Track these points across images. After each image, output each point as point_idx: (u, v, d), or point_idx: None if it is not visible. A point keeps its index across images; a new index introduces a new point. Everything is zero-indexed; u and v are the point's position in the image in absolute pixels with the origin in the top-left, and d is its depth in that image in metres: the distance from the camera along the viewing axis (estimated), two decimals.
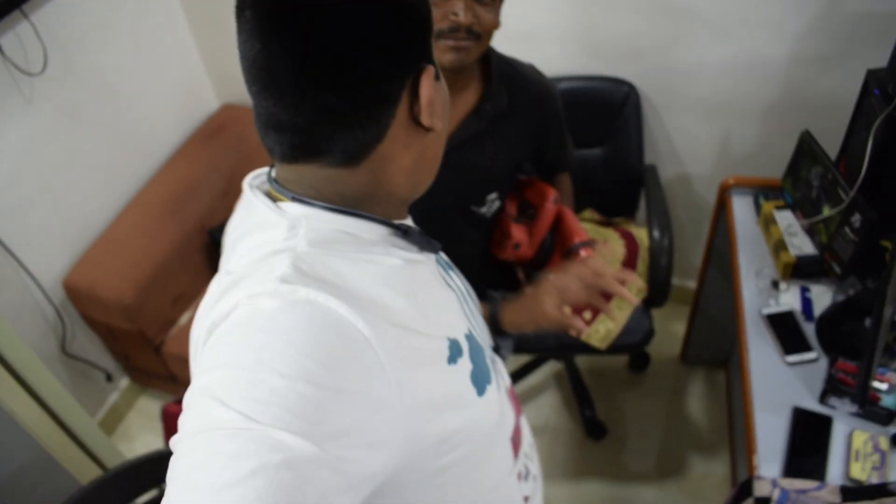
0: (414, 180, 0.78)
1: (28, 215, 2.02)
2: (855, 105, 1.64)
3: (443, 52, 1.30)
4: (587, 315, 2.04)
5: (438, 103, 0.73)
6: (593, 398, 2.41)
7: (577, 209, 2.32)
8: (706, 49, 2.05)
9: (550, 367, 2.57)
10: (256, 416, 0.55)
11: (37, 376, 1.89)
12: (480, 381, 0.81)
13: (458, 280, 0.93)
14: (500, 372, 0.92)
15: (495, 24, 1.33)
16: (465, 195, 1.48)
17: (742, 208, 1.94)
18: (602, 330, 2.01)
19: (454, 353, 0.76)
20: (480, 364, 0.82)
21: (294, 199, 0.73)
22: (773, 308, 1.68)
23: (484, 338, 0.90)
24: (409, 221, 0.84)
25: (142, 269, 2.18)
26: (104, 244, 2.24)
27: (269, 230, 0.72)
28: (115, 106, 2.28)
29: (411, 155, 0.75)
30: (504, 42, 1.60)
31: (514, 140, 1.50)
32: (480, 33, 1.30)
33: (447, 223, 1.49)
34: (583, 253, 1.52)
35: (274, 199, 0.76)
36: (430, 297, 0.79)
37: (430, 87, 0.71)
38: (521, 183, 1.61)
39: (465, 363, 0.78)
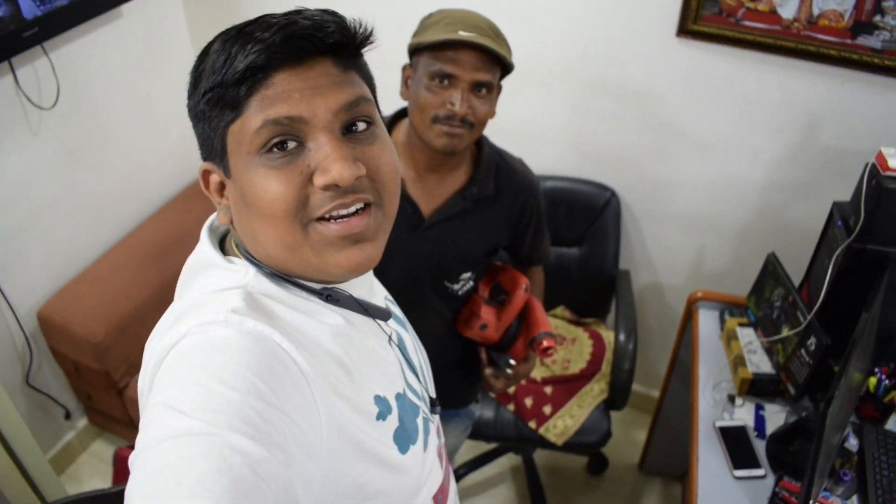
0: (257, 239, 0.76)
1: (15, 241, 2.06)
2: (820, 234, 1.72)
3: (437, 136, 1.38)
4: (547, 409, 2.06)
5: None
6: (547, 497, 2.39)
7: (550, 306, 2.38)
8: (689, 166, 2.16)
9: (508, 460, 2.56)
10: (215, 423, 0.59)
11: None
12: (404, 440, 0.84)
13: (410, 340, 0.97)
14: (430, 432, 0.94)
15: (489, 115, 1.42)
16: (440, 270, 1.53)
17: (707, 322, 1.99)
18: (560, 425, 2.03)
19: (382, 411, 0.80)
20: (408, 424, 0.85)
21: (245, 255, 0.79)
22: (727, 421, 1.70)
23: (421, 399, 0.93)
24: (352, 284, 0.84)
25: (117, 311, 2.20)
26: (84, 280, 2.27)
27: (225, 273, 0.78)
28: (117, 149, 2.35)
29: (234, 210, 0.77)
30: (501, 135, 1.70)
31: (495, 225, 1.56)
32: (474, 123, 1.38)
33: (419, 293, 1.53)
34: (545, 343, 1.56)
35: (224, 250, 0.82)
36: (367, 355, 0.82)
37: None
38: (495, 267, 1.67)
39: (392, 421, 0.82)
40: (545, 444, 2.04)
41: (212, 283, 0.77)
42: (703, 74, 2.00)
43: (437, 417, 1.01)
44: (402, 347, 0.93)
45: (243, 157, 0.71)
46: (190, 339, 0.68)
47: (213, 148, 0.75)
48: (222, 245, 0.84)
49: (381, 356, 0.86)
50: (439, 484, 0.97)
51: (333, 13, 0.74)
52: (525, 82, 2.17)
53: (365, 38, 0.77)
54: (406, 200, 1.47)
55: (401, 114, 1.54)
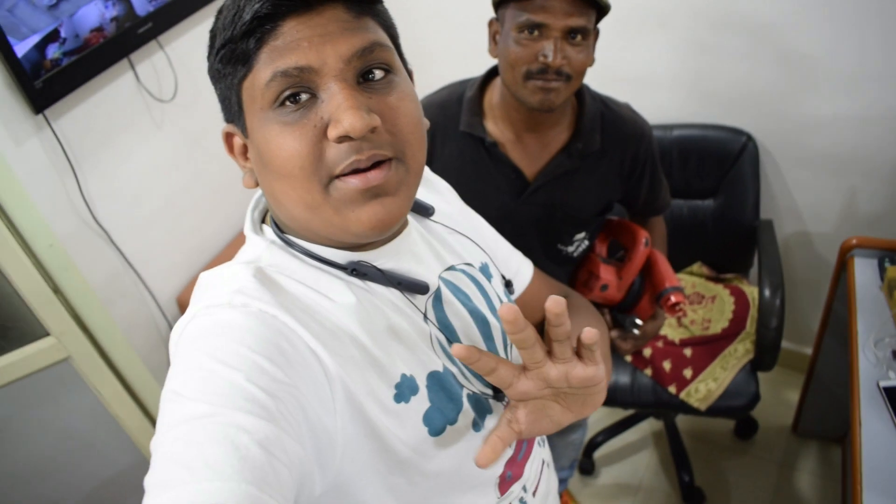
0: (278, 200, 0.74)
1: (150, 232, 2.15)
2: None
3: (532, 92, 1.28)
4: (688, 373, 1.95)
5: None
6: (692, 463, 2.27)
7: (686, 262, 2.24)
8: (831, 100, 1.95)
9: (649, 425, 2.46)
10: (220, 404, 0.60)
11: (145, 386, 2.00)
12: (438, 420, 0.79)
13: (465, 316, 0.89)
14: (490, 412, 0.87)
15: (587, 63, 1.30)
16: (551, 233, 1.45)
17: (865, 271, 1.80)
18: (703, 389, 1.91)
19: (405, 390, 0.76)
20: (442, 404, 0.80)
21: (274, 225, 0.79)
22: (892, 381, 1.54)
23: (470, 376, 0.86)
24: (389, 252, 0.81)
25: None
26: (218, 264, 2.34)
27: (247, 246, 0.80)
28: None
29: (256, 172, 0.76)
30: (611, 86, 1.58)
31: (606, 180, 1.46)
32: (571, 74, 1.28)
33: (532, 260, 1.46)
34: (673, 298, 1.45)
35: (264, 219, 0.83)
36: (390, 332, 0.77)
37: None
38: (611, 223, 1.56)
39: (419, 401, 0.77)
40: (687, 409, 1.93)
41: (238, 255, 0.79)
42: None
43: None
44: (444, 324, 0.85)
45: (257, 114, 0.69)
46: (195, 322, 0.68)
47: (231, 107, 0.73)
48: (266, 216, 0.83)
49: (409, 333, 0.79)
50: (504, 464, 0.91)
51: None
52: (638, 22, 2.04)
53: None
54: (507, 165, 1.39)
55: (492, 73, 1.45)
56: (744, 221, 2.14)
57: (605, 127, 1.43)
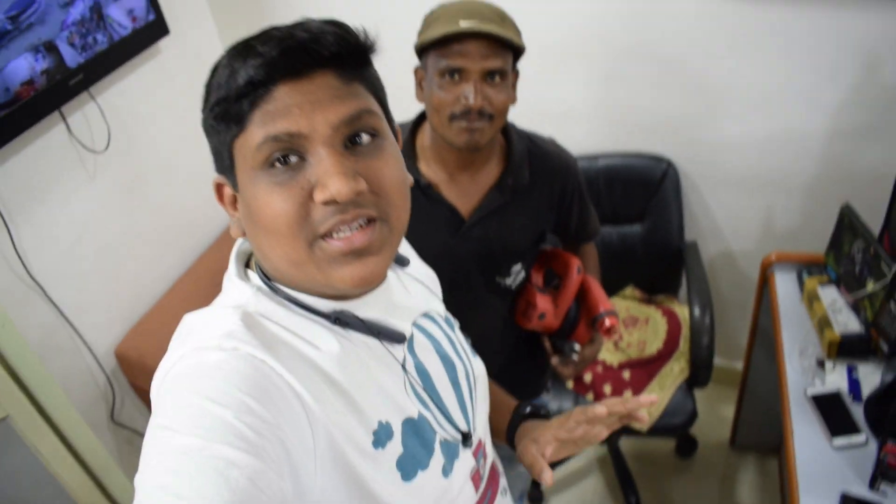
0: (264, 253, 0.77)
1: (86, 284, 2.12)
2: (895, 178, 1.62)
3: (457, 133, 1.34)
4: (628, 395, 2.00)
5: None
6: (638, 484, 2.32)
7: (618, 287, 2.32)
8: (744, 124, 2.07)
9: (594, 450, 2.50)
10: (210, 438, 0.62)
11: (85, 443, 1.94)
12: (410, 466, 0.81)
13: (436, 364, 0.92)
14: (458, 457, 0.90)
15: (507, 103, 1.36)
16: (489, 267, 1.50)
17: (785, 285, 1.90)
18: (643, 410, 1.97)
19: (381, 437, 0.78)
20: (415, 450, 0.82)
21: (259, 271, 0.80)
22: (819, 388, 1.62)
23: (448, 424, 0.90)
24: (367, 301, 0.83)
25: None
26: (156, 315, 2.31)
27: (233, 290, 0.80)
28: (172, 184, 2.40)
29: (244, 224, 0.78)
30: (538, 120, 1.65)
31: (537, 212, 1.51)
32: (493, 113, 1.33)
33: (472, 294, 1.50)
34: (607, 322, 1.51)
35: (248, 265, 0.84)
36: (369, 379, 0.80)
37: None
38: (545, 253, 1.62)
39: (393, 447, 0.80)
40: (630, 430, 1.98)
41: (220, 300, 0.81)
42: (747, 26, 1.91)
43: (476, 441, 0.97)
44: (420, 371, 0.88)
45: (248, 172, 0.72)
46: (184, 362, 0.69)
47: (223, 161, 0.76)
48: (250, 261, 0.85)
49: (387, 380, 0.82)
50: None
51: (336, 23, 0.73)
52: (557, 58, 2.13)
53: (368, 48, 0.75)
54: (443, 204, 1.44)
55: (422, 117, 1.51)
56: (670, 244, 2.24)
57: (533, 162, 1.49)
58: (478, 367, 1.03)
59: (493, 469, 1.04)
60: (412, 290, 0.96)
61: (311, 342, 0.77)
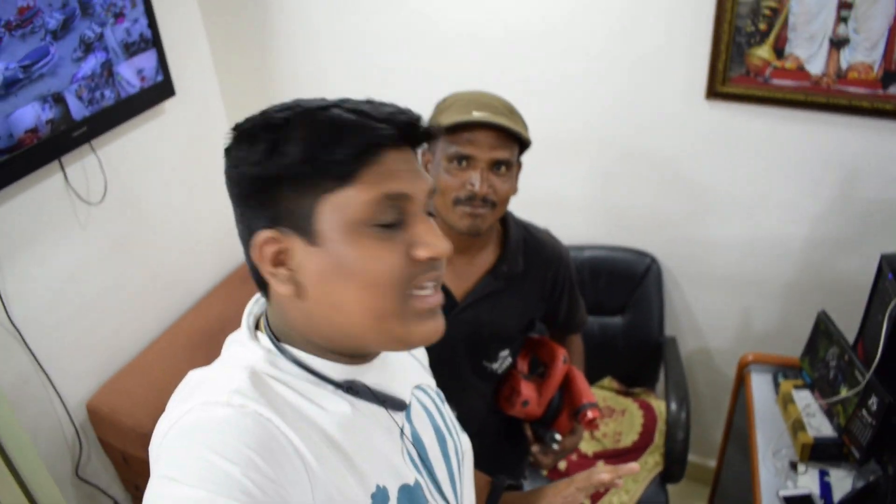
0: (311, 322, 0.79)
1: (64, 335, 2.10)
2: (871, 288, 1.67)
3: (460, 217, 1.38)
4: (600, 464, 1.99)
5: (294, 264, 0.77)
6: None
7: (597, 377, 2.33)
8: (728, 227, 2.13)
9: None
10: (217, 492, 0.63)
11: (48, 498, 1.89)
12: None
13: (431, 436, 0.95)
14: None
15: (510, 192, 1.42)
16: (477, 350, 1.52)
17: (761, 385, 1.92)
18: (616, 502, 1.96)
19: (377, 501, 0.80)
20: None
21: (270, 335, 0.82)
22: (791, 490, 1.62)
23: (439, 495, 0.92)
24: (367, 367, 0.85)
25: (164, 399, 2.13)
26: (131, 370, 2.29)
27: (241, 349, 0.82)
28: (160, 241, 2.41)
29: (316, 279, 0.77)
30: (530, 208, 1.70)
31: (528, 300, 1.55)
32: (496, 202, 1.38)
33: (458, 375, 1.51)
34: (590, 413, 1.52)
35: (257, 326, 0.86)
36: (370, 444, 0.82)
37: (263, 243, 0.77)
38: (532, 341, 1.64)
39: None
40: None
41: (226, 359, 0.82)
42: (735, 135, 2.00)
43: None
44: (416, 439, 0.91)
45: (346, 226, 0.74)
46: (192, 415, 0.70)
47: (293, 215, 0.75)
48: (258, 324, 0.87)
49: (387, 446, 0.85)
50: None
51: (412, 111, 0.81)
52: (553, 152, 2.20)
53: (431, 134, 0.83)
54: None
55: None
56: (650, 338, 2.27)
57: (528, 251, 1.53)
58: (465, 442, 1.04)
59: None
60: (405, 362, 1.01)
61: (318, 403, 0.79)
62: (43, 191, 1.96)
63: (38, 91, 1.82)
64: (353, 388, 0.82)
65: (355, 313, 0.76)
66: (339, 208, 0.73)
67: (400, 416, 0.89)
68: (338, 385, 0.81)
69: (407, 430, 0.90)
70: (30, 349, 1.97)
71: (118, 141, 2.17)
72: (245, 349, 0.81)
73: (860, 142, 1.87)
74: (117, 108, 2.08)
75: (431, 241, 0.76)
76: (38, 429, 2.04)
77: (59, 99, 1.88)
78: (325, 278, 0.76)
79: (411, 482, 0.86)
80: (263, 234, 0.76)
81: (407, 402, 0.91)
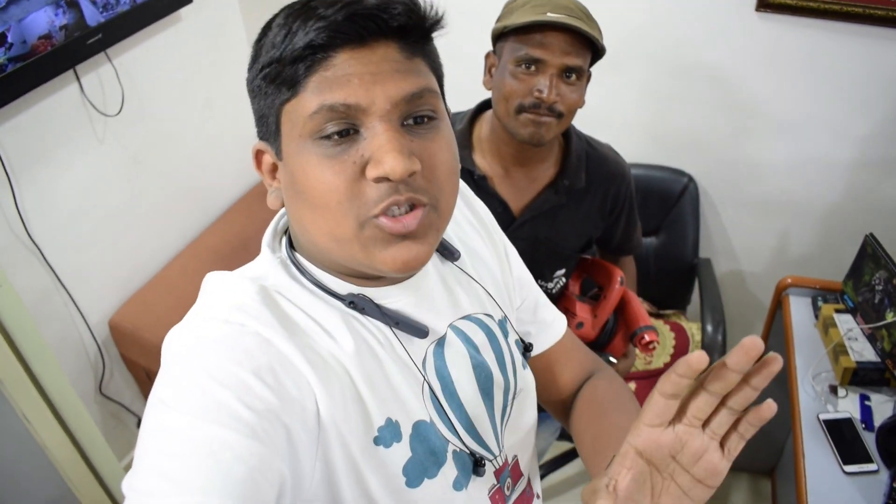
0: (304, 226, 0.73)
1: (85, 252, 2.06)
2: None
3: (523, 125, 1.30)
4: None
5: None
6: None
7: None
8: (770, 147, 2.06)
9: None
10: (205, 419, 0.61)
11: (73, 414, 1.89)
12: (417, 472, 0.77)
13: (467, 364, 0.85)
14: (476, 472, 0.84)
15: (578, 104, 1.33)
16: (534, 269, 1.46)
17: (799, 309, 1.89)
18: None
19: (386, 434, 0.75)
20: (422, 456, 0.78)
21: (288, 243, 0.79)
22: (831, 414, 1.61)
23: (462, 432, 0.84)
24: (385, 291, 0.78)
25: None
26: (153, 287, 2.26)
27: (257, 260, 0.79)
28: (180, 154, 2.34)
29: (285, 195, 0.74)
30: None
31: (589, 217, 1.49)
32: (563, 111, 1.30)
33: None
34: (647, 337, 1.48)
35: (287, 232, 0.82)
36: (380, 375, 0.76)
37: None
38: (585, 262, 1.59)
39: (400, 448, 0.76)
40: None
41: (248, 266, 0.79)
42: (784, 50, 1.91)
43: (503, 459, 0.91)
44: (441, 375, 0.82)
45: (295, 140, 0.68)
46: (191, 331, 0.69)
47: (268, 126, 0.72)
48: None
49: (400, 379, 0.78)
50: None
51: None
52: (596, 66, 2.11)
53: (435, 23, 0.71)
54: (495, 199, 1.41)
55: (483, 106, 1.47)
56: (684, 259, 2.23)
57: (590, 165, 1.46)
58: (525, 381, 0.95)
59: (526, 494, 0.97)
60: (458, 289, 0.89)
61: (329, 331, 0.74)
62: (58, 102, 1.89)
63: None
64: (356, 304, 0.76)
65: (316, 234, 0.71)
66: (291, 120, 0.68)
67: (420, 346, 0.81)
68: (341, 299, 0.75)
69: (430, 364, 0.82)
70: (50, 266, 1.94)
71: (134, 50, 2.08)
72: (262, 257, 0.78)
73: None
74: (133, 13, 1.97)
75: (381, 157, 0.65)
76: (60, 346, 2.03)
77: (72, 3, 1.79)
78: (289, 196, 0.73)
79: (427, 419, 0.79)
80: (256, 145, 0.76)
81: (439, 333, 0.83)
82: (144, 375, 2.28)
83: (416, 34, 0.70)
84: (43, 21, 1.72)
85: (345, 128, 0.66)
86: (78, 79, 1.91)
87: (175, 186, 2.35)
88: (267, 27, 0.70)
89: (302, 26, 0.65)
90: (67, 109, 1.91)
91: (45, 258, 1.92)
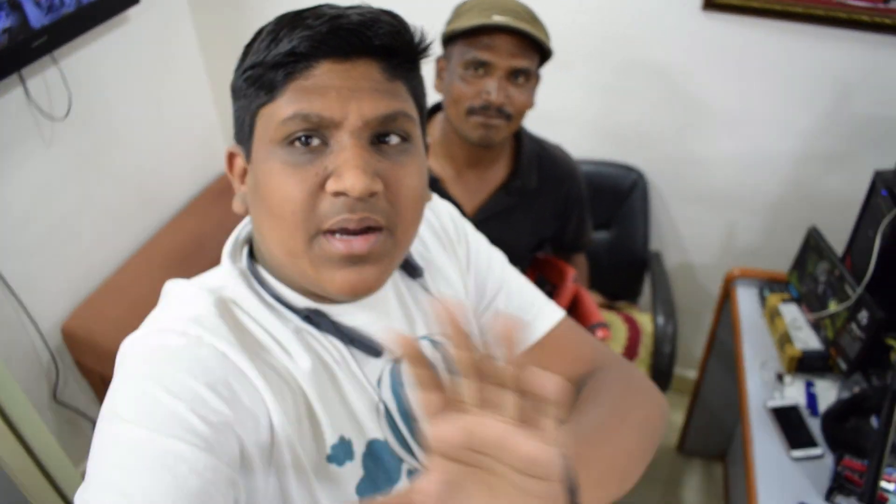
0: (262, 234, 0.73)
1: (35, 257, 2.01)
2: (862, 204, 1.68)
3: (473, 128, 1.32)
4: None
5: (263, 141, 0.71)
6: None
7: None
8: (717, 142, 2.11)
9: None
10: (159, 431, 0.60)
11: (26, 421, 1.86)
12: (369, 490, 0.76)
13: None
14: None
15: (527, 105, 1.36)
16: None
17: (747, 299, 1.95)
18: None
19: (339, 453, 0.74)
20: (375, 474, 0.77)
21: (248, 252, 0.79)
22: (778, 401, 1.67)
23: (417, 450, 0.81)
24: (342, 309, 0.78)
25: (141, 320, 2.14)
26: (106, 292, 2.22)
27: (220, 266, 0.78)
28: (130, 156, 2.30)
29: (249, 199, 0.74)
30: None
31: (541, 217, 1.51)
32: (512, 113, 1.32)
33: None
34: (600, 333, 1.52)
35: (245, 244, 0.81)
36: (334, 393, 0.76)
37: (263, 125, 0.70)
38: (538, 260, 1.62)
39: (352, 467, 0.75)
40: None
41: (207, 275, 0.78)
42: (730, 47, 1.95)
43: None
44: (396, 393, 0.81)
45: (266, 145, 0.69)
46: (146, 342, 0.68)
47: (243, 129, 0.72)
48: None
49: (354, 398, 0.77)
50: None
51: (394, 15, 0.70)
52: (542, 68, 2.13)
53: (421, 50, 0.72)
54: (447, 200, 1.42)
55: (434, 109, 1.49)
56: (635, 252, 2.27)
57: (542, 166, 1.48)
58: None
59: None
60: (416, 309, 0.87)
61: (285, 347, 0.73)
62: (3, 106, 1.85)
63: None
64: (312, 319, 0.75)
65: (271, 243, 0.71)
66: (264, 124, 0.69)
67: (376, 365, 0.80)
68: (297, 312, 0.75)
69: (386, 381, 0.80)
70: None
71: (81, 52, 2.04)
72: (222, 267, 0.78)
73: (856, 57, 1.85)
74: (78, 15, 1.93)
75: (343, 172, 0.64)
76: (11, 354, 1.98)
77: (15, 6, 1.74)
78: (252, 201, 0.72)
79: (381, 437, 0.78)
80: (229, 148, 0.76)
81: (394, 349, 0.80)
82: (100, 381, 2.24)
83: (400, 57, 0.70)
84: None
85: (314, 137, 0.66)
86: (23, 82, 1.87)
87: (126, 189, 2.31)
88: (259, 32, 0.71)
89: (288, 34, 0.66)
90: (12, 114, 1.87)
91: None
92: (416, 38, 0.71)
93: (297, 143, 0.67)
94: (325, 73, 0.66)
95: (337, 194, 0.66)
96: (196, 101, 2.55)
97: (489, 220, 1.45)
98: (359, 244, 0.67)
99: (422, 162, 0.74)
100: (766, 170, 2.10)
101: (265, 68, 0.67)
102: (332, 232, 0.67)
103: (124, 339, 0.70)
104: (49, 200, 2.03)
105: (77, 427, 2.28)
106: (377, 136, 0.69)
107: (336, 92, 0.66)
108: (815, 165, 2.04)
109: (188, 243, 2.39)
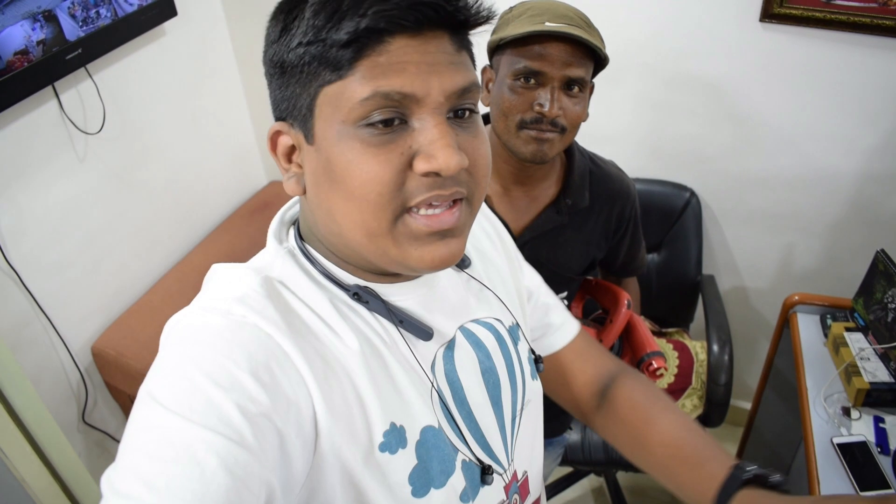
0: (332, 216, 0.69)
1: (65, 275, 1.98)
2: None
3: (524, 142, 1.23)
4: None
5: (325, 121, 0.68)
6: None
7: None
8: (774, 160, 2.02)
9: (589, 482, 2.42)
10: (193, 420, 0.57)
11: (54, 445, 1.81)
12: (423, 481, 0.74)
13: (476, 371, 0.83)
14: (483, 483, 0.80)
15: (582, 117, 1.26)
16: None
17: (807, 327, 1.83)
18: None
19: (392, 440, 0.71)
20: (429, 464, 0.74)
21: (297, 234, 0.77)
22: (845, 437, 1.55)
23: (472, 441, 0.81)
24: (394, 288, 0.76)
25: None
26: (138, 311, 2.18)
27: (266, 248, 0.77)
28: (164, 173, 2.27)
29: (312, 181, 0.70)
30: None
31: (592, 238, 1.42)
32: (566, 126, 1.23)
33: None
34: (655, 363, 1.41)
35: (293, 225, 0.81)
36: (385, 378, 0.73)
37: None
38: (588, 283, 1.52)
39: (405, 455, 0.72)
40: (629, 465, 1.90)
41: (255, 258, 0.76)
42: (789, 61, 1.86)
43: (512, 472, 0.87)
44: (451, 379, 0.80)
45: (336, 125, 0.65)
46: (190, 321, 0.66)
47: (296, 107, 0.68)
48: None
49: (406, 383, 0.74)
50: None
51: None
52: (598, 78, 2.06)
53: (488, 16, 0.68)
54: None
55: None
56: (686, 276, 2.17)
57: (594, 184, 1.39)
58: (533, 392, 0.92)
59: None
60: (468, 293, 0.87)
61: (332, 327, 0.71)
62: (37, 119, 1.82)
63: (28, 8, 1.65)
64: (360, 296, 0.73)
65: (346, 226, 0.68)
66: (332, 103, 0.65)
67: (428, 349, 0.78)
68: (346, 289, 0.73)
69: (439, 367, 0.79)
70: (28, 291, 1.85)
71: (116, 65, 2.01)
72: (268, 248, 0.76)
73: None
74: (114, 28, 1.90)
75: (434, 152, 0.63)
76: (40, 375, 1.94)
77: (50, 17, 1.71)
78: (318, 182, 0.69)
79: (435, 425, 0.76)
80: (275, 126, 0.72)
81: (447, 335, 0.80)
82: (129, 402, 2.20)
83: (468, 27, 0.68)
84: (19, 36, 1.65)
85: (392, 116, 0.64)
86: (57, 95, 1.84)
87: (160, 205, 2.27)
88: (295, 5, 0.66)
89: (355, 8, 0.61)
90: (46, 127, 1.84)
91: (22, 282, 1.83)
92: (484, 5, 0.68)
93: (378, 125, 0.64)
94: (400, 49, 0.63)
95: (428, 174, 0.65)
96: (232, 115, 2.51)
97: (537, 240, 1.36)
98: (447, 218, 0.67)
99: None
100: (827, 190, 2.00)
101: (328, 46, 0.63)
102: (415, 209, 0.66)
103: (153, 359, 0.66)
104: (81, 217, 1.99)
105: (105, 449, 2.23)
106: (452, 111, 0.67)
107: (415, 67, 0.63)
108: (880, 185, 1.93)
109: (222, 261, 2.33)
